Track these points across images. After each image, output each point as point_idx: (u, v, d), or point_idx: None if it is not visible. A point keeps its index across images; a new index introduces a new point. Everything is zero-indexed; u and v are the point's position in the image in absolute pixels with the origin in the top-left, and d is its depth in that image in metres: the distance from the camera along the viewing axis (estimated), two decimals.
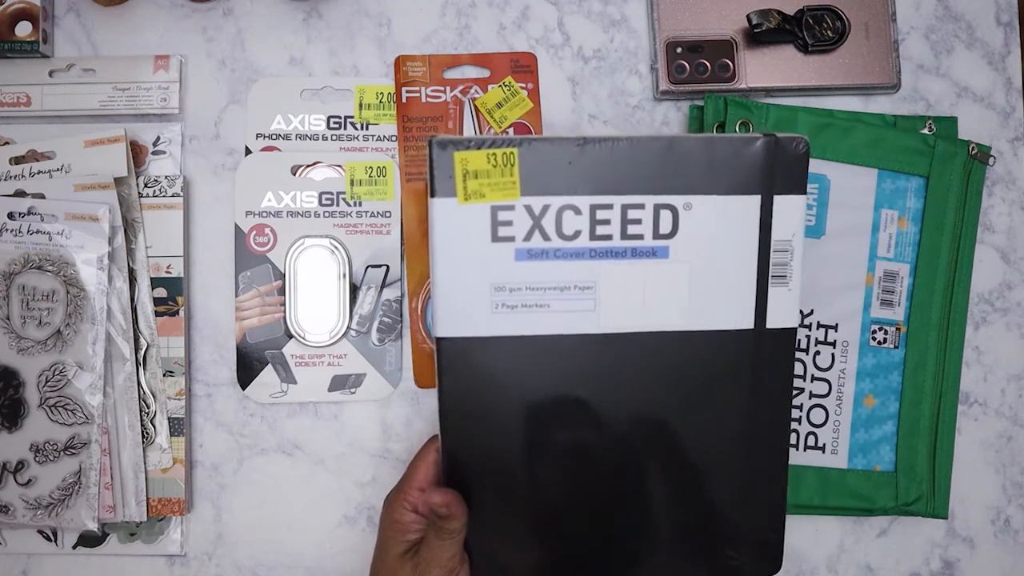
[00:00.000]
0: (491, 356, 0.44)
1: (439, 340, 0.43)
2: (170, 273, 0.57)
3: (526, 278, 0.43)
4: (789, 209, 0.44)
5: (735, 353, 0.45)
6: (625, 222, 0.43)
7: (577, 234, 0.43)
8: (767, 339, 0.45)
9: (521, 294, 0.43)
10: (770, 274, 0.44)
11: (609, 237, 0.43)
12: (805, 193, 0.44)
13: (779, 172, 0.43)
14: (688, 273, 0.44)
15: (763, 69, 0.59)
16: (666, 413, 0.45)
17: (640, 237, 0.43)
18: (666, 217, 0.43)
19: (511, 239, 0.43)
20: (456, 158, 0.42)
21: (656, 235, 0.43)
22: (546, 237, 0.43)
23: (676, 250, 0.43)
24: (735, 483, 0.46)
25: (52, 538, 0.57)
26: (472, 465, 0.45)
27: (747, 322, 0.44)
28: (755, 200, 0.43)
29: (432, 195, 0.42)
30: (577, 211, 0.43)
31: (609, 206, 0.43)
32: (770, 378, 0.45)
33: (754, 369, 0.45)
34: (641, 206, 0.43)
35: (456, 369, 0.44)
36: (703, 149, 0.43)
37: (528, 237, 0.43)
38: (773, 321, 0.45)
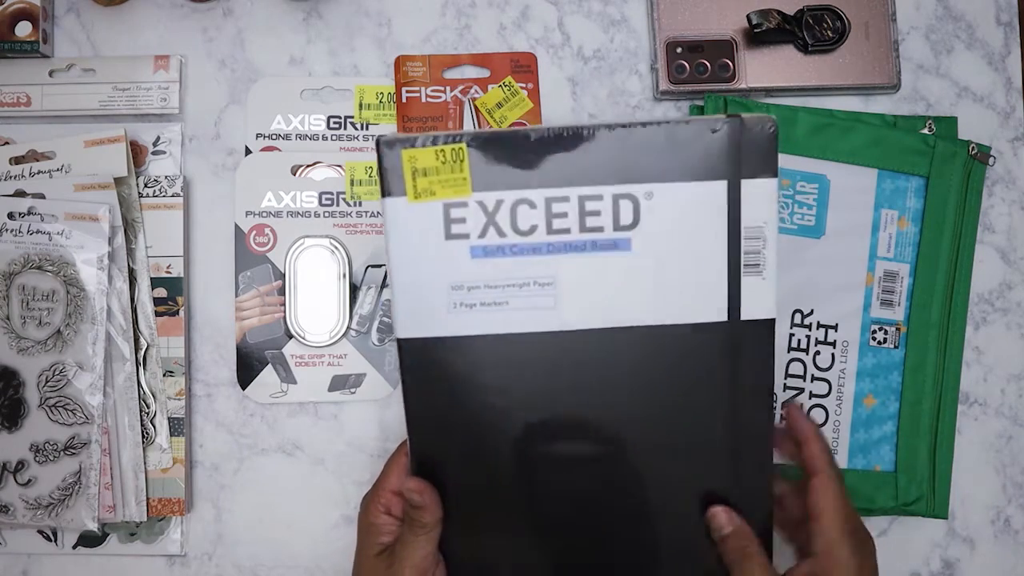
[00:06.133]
0: (452, 356, 0.43)
1: (399, 341, 0.43)
2: (170, 273, 0.57)
3: (483, 276, 0.42)
4: (759, 194, 0.41)
5: (709, 347, 0.43)
6: (583, 214, 0.41)
7: (533, 229, 0.42)
8: (743, 331, 0.42)
9: (479, 292, 0.42)
10: (742, 263, 0.42)
11: (567, 231, 0.42)
12: (776, 176, 0.41)
13: (746, 155, 0.41)
14: (653, 265, 0.42)
15: (763, 69, 0.59)
16: (639, 411, 0.44)
17: (600, 229, 0.42)
18: (626, 207, 0.41)
19: (465, 236, 0.42)
20: (404, 156, 0.41)
21: (616, 227, 0.42)
22: (501, 233, 0.42)
23: (639, 241, 0.42)
24: (718, 482, 0.44)
25: (52, 538, 0.57)
26: (440, 467, 0.44)
27: (720, 314, 0.42)
28: (721, 186, 0.41)
29: (383, 195, 0.41)
30: (532, 205, 0.41)
31: (565, 198, 0.41)
32: (749, 372, 0.43)
33: (731, 363, 0.43)
34: (599, 197, 0.41)
35: (418, 370, 0.43)
36: (662, 135, 0.41)
37: (483, 234, 0.42)
38: (749, 312, 0.42)
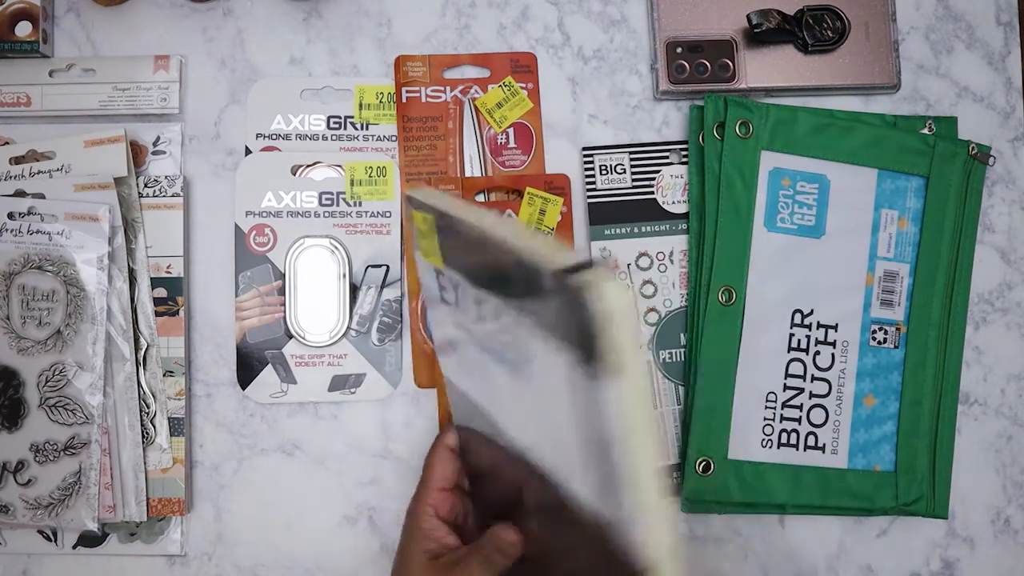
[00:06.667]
0: (465, 401, 0.43)
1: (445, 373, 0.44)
2: (170, 273, 0.57)
3: (463, 345, 0.40)
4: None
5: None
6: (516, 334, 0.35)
7: (482, 320, 0.37)
8: None
9: (467, 356, 0.41)
10: None
11: (504, 343, 0.35)
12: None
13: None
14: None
15: (763, 69, 0.59)
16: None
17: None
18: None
19: (448, 304, 0.40)
20: (414, 216, 0.40)
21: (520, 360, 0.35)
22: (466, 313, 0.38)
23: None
24: None
25: (52, 538, 0.57)
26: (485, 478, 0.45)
27: None
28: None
29: (415, 246, 0.42)
30: (478, 301, 0.36)
31: (489, 307, 0.36)
32: None
33: None
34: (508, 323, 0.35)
35: (455, 399, 0.44)
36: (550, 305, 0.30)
37: (458, 306, 0.39)
38: None
